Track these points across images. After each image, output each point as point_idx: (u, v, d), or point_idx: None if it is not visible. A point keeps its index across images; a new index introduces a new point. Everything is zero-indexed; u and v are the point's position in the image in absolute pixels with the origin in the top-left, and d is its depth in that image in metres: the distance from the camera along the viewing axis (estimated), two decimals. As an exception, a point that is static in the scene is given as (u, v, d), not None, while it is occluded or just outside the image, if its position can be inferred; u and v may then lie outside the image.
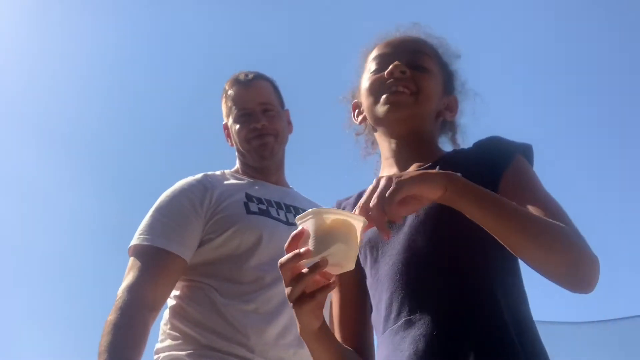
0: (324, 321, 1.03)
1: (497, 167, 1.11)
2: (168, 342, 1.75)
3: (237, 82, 2.02)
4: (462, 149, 1.27)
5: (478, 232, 0.97)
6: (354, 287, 1.20)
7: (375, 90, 1.22)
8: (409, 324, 1.03)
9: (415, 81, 1.19)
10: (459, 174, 0.94)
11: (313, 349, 1.08)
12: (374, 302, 1.15)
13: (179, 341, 1.72)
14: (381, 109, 1.20)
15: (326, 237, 0.88)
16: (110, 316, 1.66)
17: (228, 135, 2.07)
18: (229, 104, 2.02)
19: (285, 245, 0.94)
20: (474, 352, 0.96)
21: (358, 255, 0.94)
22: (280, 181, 2.05)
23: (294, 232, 0.92)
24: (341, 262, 0.90)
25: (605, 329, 5.09)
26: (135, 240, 1.79)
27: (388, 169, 1.25)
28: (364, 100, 1.26)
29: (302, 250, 0.90)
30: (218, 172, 2.00)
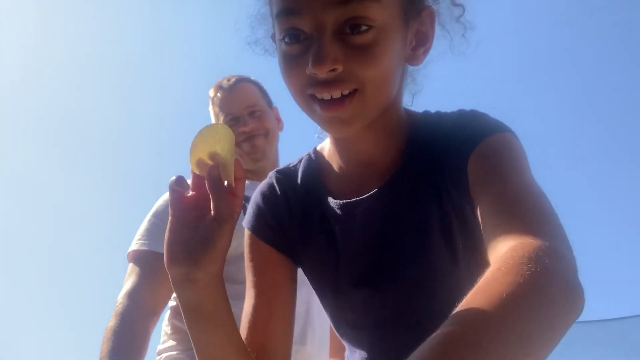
0: None
1: (464, 148, 0.83)
2: (170, 342, 1.76)
3: (220, 88, 2.05)
4: (439, 119, 0.94)
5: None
6: (288, 280, 1.00)
7: (296, 86, 0.83)
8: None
9: (356, 73, 0.78)
10: None
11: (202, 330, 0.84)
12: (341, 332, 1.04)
13: (181, 341, 1.74)
14: (316, 121, 0.86)
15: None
16: (111, 322, 1.67)
17: None
18: (216, 111, 2.05)
19: None
20: None
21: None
22: None
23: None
24: None
25: (605, 329, 5.09)
26: (133, 245, 1.80)
27: (337, 157, 0.97)
28: (283, 79, 0.86)
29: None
30: None
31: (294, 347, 1.74)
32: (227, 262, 1.81)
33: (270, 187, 1.03)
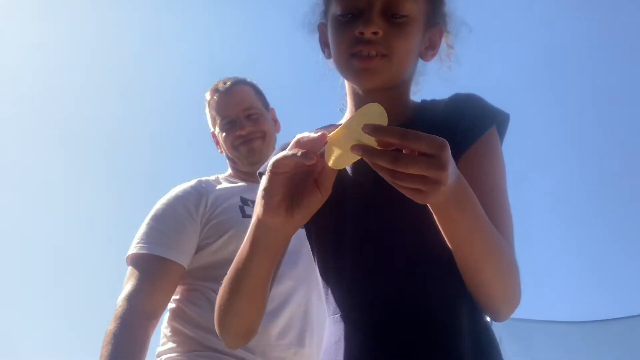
0: None
1: (465, 138, 1.04)
2: (169, 344, 1.77)
3: (216, 91, 2.04)
4: (435, 102, 1.15)
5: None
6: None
7: (342, 46, 1.06)
8: (364, 318, 1.00)
9: (389, 42, 1.03)
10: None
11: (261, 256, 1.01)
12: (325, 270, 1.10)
13: (180, 343, 1.74)
14: (350, 74, 1.08)
15: None
16: (110, 326, 1.68)
17: (217, 143, 2.09)
18: (213, 114, 2.05)
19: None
20: None
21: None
22: None
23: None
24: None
25: (605, 329, 5.10)
26: (132, 249, 1.81)
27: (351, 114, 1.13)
28: (331, 45, 1.11)
29: None
30: (212, 177, 2.02)
31: (293, 350, 1.75)
32: (225, 264, 1.81)
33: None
